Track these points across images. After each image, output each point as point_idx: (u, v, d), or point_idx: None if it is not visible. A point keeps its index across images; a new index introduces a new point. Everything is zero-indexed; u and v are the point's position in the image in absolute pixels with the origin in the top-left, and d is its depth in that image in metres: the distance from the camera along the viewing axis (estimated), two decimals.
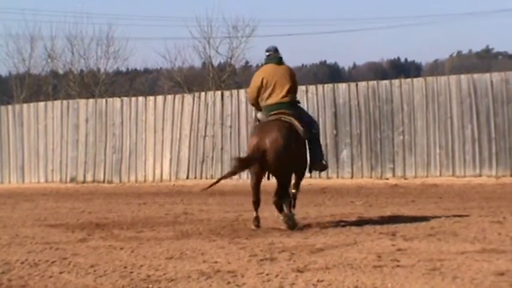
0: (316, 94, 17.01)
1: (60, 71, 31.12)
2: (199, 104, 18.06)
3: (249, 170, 8.17)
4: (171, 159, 18.16)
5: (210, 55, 29.72)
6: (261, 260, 5.88)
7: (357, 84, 16.98)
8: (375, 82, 16.99)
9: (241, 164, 8.05)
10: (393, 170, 16.19)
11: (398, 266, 5.46)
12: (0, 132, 20.07)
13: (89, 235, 7.85)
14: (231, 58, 30.11)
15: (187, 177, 17.89)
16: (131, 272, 5.54)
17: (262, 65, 8.85)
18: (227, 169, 17.57)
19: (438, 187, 14.40)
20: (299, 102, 8.60)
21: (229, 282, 5.07)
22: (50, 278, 5.47)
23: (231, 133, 17.70)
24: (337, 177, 16.48)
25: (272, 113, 8.20)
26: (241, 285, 5.02)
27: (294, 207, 8.21)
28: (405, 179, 15.85)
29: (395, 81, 16.79)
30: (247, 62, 33.03)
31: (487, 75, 16.07)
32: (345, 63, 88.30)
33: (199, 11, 63.87)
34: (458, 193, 12.90)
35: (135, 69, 40.67)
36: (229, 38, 29.70)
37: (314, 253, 6.15)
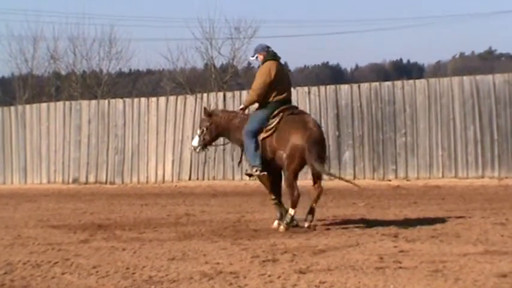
0: (319, 95, 16.99)
1: (63, 72, 31.12)
2: (201, 105, 18.05)
3: (289, 166, 7.97)
4: (173, 161, 18.15)
5: (212, 56, 29.71)
6: (263, 261, 5.89)
7: (359, 86, 16.96)
8: (377, 83, 16.97)
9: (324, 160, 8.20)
10: (395, 171, 16.17)
11: (400, 267, 5.46)
12: (3, 133, 20.08)
13: (91, 236, 7.85)
14: (233, 59, 30.09)
15: (190, 179, 17.87)
16: (133, 273, 5.54)
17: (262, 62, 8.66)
18: (229, 170, 17.75)
19: (441, 188, 14.38)
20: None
21: (231, 284, 5.08)
22: (52, 278, 5.48)
23: None
24: None
25: (284, 107, 8.29)
26: (244, 286, 5.03)
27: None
28: (407, 180, 15.83)
29: (398, 83, 16.78)
30: (249, 63, 33.00)
31: (490, 76, 16.05)
32: (347, 65, 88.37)
33: (202, 12, 63.80)
34: (461, 195, 12.88)
35: (138, 70, 40.59)
36: (231, 39, 29.68)
37: (316, 254, 6.16)
